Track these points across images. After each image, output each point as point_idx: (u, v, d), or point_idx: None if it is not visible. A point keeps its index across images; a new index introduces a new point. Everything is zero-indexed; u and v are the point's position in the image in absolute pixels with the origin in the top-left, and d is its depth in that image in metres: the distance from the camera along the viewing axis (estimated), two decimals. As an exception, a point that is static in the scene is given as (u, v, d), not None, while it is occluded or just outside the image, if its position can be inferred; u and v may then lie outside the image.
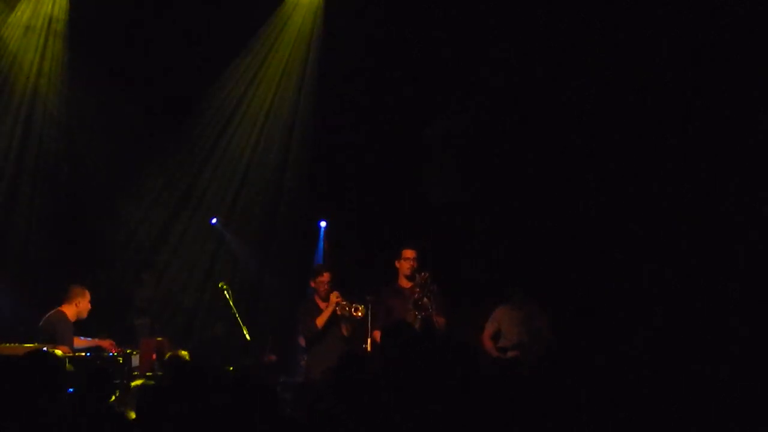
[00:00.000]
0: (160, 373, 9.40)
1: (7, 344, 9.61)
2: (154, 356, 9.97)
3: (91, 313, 10.35)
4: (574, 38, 11.12)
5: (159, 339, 10.34)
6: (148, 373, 9.64)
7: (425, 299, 9.55)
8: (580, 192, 11.30)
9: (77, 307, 10.18)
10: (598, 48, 10.98)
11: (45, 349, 9.28)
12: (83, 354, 9.80)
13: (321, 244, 12.79)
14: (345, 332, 10.03)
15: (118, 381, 9.14)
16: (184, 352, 8.55)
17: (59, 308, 10.15)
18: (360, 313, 9.86)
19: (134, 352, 10.00)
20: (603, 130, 11.11)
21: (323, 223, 12.90)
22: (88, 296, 10.26)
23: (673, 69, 10.67)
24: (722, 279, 10.16)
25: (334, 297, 9.94)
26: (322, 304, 10.09)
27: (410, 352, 6.73)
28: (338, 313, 9.95)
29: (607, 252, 10.91)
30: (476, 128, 11.93)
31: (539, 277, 10.75)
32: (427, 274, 9.63)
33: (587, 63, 11.08)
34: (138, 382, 9.00)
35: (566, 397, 6.88)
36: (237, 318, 10.35)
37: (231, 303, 10.43)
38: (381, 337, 7.54)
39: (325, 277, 10.17)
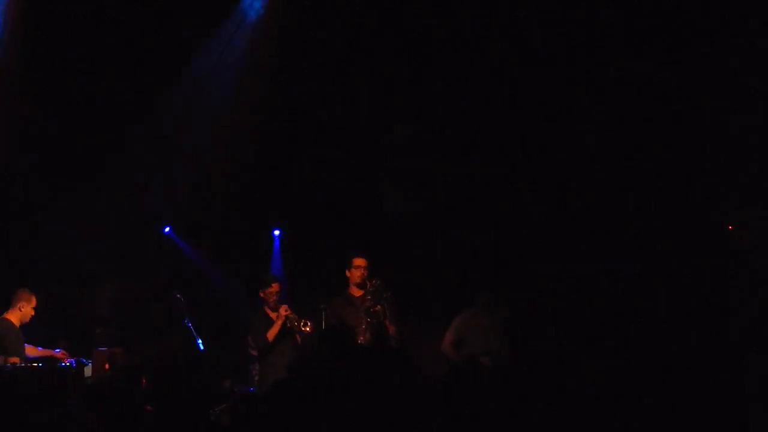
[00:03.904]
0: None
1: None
2: (107, 366, 9.97)
3: (49, 322, 10.32)
4: (537, 40, 11.18)
5: (112, 349, 10.33)
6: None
7: (377, 306, 9.57)
8: (547, 194, 11.36)
9: (21, 311, 10.08)
10: (565, 50, 11.05)
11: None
12: (35, 364, 9.77)
13: (275, 252, 12.82)
14: (299, 340, 10.05)
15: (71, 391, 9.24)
16: None
17: (4, 315, 10.06)
18: (308, 329, 9.87)
19: (87, 362, 10.00)
20: (572, 133, 11.19)
21: (277, 232, 12.94)
22: (33, 301, 10.17)
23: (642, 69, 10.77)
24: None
25: (283, 311, 9.96)
26: (272, 315, 10.08)
27: (347, 357, 6.73)
28: (288, 326, 9.97)
29: (583, 254, 10.99)
30: (433, 135, 12.00)
31: (504, 281, 10.77)
32: (377, 281, 9.66)
33: (552, 66, 11.14)
34: None
35: (534, 401, 6.94)
36: (190, 327, 10.37)
37: (184, 312, 10.45)
38: (318, 340, 7.53)
39: (274, 287, 10.18)
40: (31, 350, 10.09)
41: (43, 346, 10.25)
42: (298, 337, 9.98)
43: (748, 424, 8.03)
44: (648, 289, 10.42)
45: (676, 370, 9.25)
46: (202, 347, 10.36)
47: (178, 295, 10.64)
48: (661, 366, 9.36)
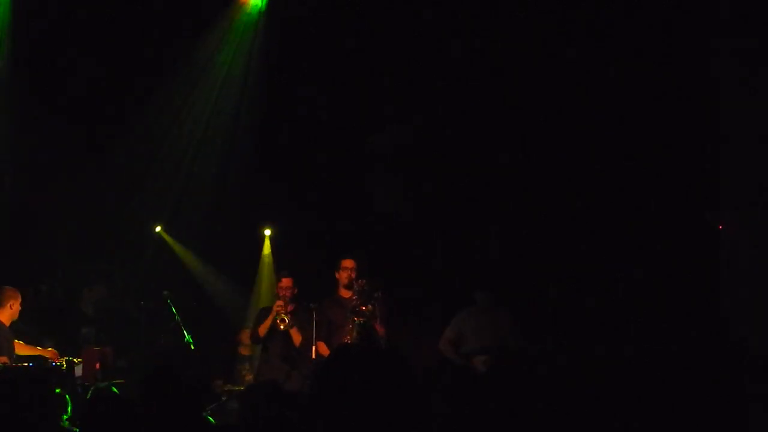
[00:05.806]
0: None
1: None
2: (98, 365, 9.90)
3: (35, 321, 10.20)
4: (538, 40, 11.18)
5: (103, 348, 10.26)
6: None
7: (365, 306, 9.50)
8: (546, 194, 11.37)
9: (11, 309, 9.88)
10: (565, 50, 11.06)
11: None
12: (26, 364, 9.65)
13: (267, 252, 12.80)
14: (297, 343, 9.95)
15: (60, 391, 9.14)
16: None
17: None
18: (282, 327, 9.79)
19: (77, 362, 9.90)
20: (572, 133, 11.20)
21: (268, 231, 12.90)
22: (20, 298, 10.05)
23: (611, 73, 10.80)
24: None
25: (276, 306, 9.89)
26: (282, 311, 10.04)
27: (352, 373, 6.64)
28: (278, 321, 9.88)
29: (583, 254, 11.00)
30: (423, 136, 11.98)
31: (503, 281, 10.77)
32: (364, 282, 9.59)
33: (552, 66, 11.15)
34: None
35: (535, 400, 6.90)
36: (181, 327, 10.32)
37: (174, 311, 10.39)
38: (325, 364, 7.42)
39: (283, 282, 10.06)
40: (21, 348, 9.96)
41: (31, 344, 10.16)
42: (296, 338, 9.87)
43: (748, 424, 8.02)
44: (648, 289, 10.43)
45: (676, 370, 9.24)
46: (192, 346, 10.28)
47: (167, 294, 10.58)
48: (661, 366, 9.36)
